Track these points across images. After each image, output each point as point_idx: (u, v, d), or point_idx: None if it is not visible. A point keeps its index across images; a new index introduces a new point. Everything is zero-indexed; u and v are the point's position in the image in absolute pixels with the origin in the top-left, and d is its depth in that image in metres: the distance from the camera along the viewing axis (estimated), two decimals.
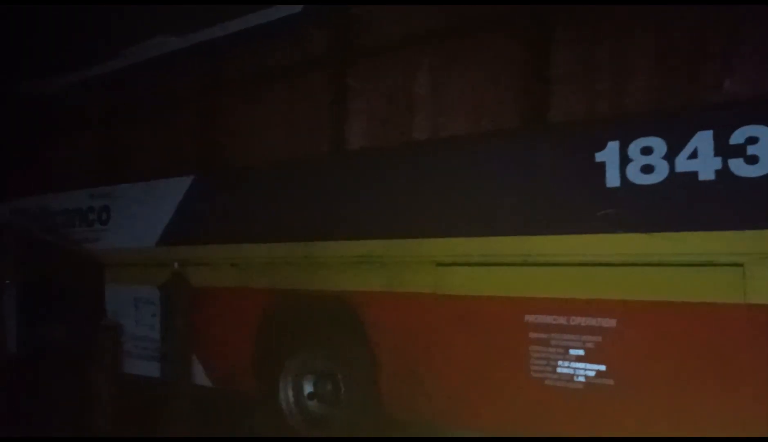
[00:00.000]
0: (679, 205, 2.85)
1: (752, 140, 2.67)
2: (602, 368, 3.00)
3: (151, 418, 4.43)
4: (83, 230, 5.37)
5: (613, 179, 2.98)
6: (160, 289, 4.55)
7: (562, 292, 3.11)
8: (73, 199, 5.51)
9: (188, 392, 4.42)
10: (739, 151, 2.70)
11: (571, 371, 3.08)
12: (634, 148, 2.93)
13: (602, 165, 3.01)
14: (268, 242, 4.22)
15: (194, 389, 4.48)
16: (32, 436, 3.81)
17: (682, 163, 2.83)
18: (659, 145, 2.88)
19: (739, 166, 2.70)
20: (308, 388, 4.18)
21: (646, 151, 2.90)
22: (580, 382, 3.06)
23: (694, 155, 2.80)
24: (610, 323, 2.99)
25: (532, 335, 3.19)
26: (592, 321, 3.03)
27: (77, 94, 5.73)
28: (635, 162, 2.93)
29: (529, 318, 3.20)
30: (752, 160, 2.67)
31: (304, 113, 4.31)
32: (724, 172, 2.73)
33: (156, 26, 5.49)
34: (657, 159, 2.88)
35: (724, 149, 2.73)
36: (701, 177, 2.78)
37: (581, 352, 3.05)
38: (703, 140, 2.78)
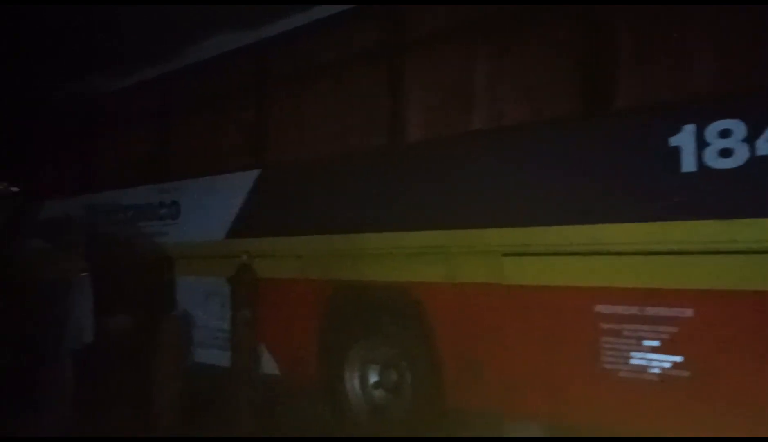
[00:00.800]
0: (759, 189, 2.72)
1: None
2: (678, 359, 2.91)
3: (219, 406, 4.57)
4: (154, 225, 5.56)
5: (689, 164, 2.88)
6: (229, 281, 4.67)
7: (636, 281, 3.03)
8: (143, 194, 5.71)
9: (254, 381, 4.52)
10: None
11: (645, 363, 3.00)
12: (711, 131, 2.82)
13: (677, 150, 2.91)
14: (331, 233, 4.28)
15: (262, 377, 4.59)
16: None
17: (763, 146, 2.71)
18: (738, 127, 2.76)
19: None
20: (373, 377, 4.23)
21: (725, 134, 2.79)
22: (654, 374, 2.98)
23: None
24: (686, 313, 2.89)
25: (604, 325, 3.12)
26: (667, 311, 2.94)
27: (146, 91, 5.94)
28: (713, 146, 2.82)
29: (601, 308, 3.12)
30: None
31: (366, 106, 4.33)
32: None
33: (219, 24, 5.61)
34: (736, 142, 2.77)
35: None
36: None
37: (656, 343, 2.97)
38: None
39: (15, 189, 7.24)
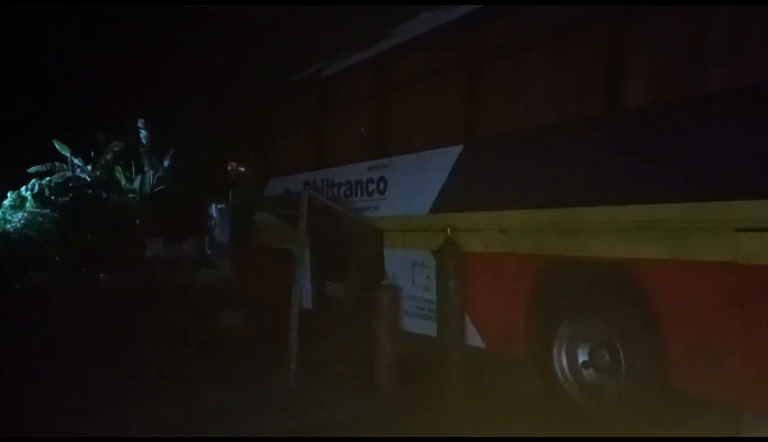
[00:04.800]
0: None
1: None
2: None
3: (429, 374, 4.74)
4: (364, 200, 5.88)
5: None
6: (434, 253, 4.79)
7: None
8: (353, 171, 6.06)
9: (462, 352, 4.60)
10: None
11: None
12: None
13: None
14: (538, 208, 4.19)
15: (468, 349, 4.65)
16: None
17: None
18: None
19: None
20: (583, 356, 4.10)
21: None
22: None
23: None
24: None
25: None
26: None
27: (353, 75, 6.28)
28: None
29: None
30: None
31: (574, 74, 4.14)
32: None
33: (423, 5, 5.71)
34: None
35: None
36: None
37: None
38: None
39: (242, 169, 8.15)
